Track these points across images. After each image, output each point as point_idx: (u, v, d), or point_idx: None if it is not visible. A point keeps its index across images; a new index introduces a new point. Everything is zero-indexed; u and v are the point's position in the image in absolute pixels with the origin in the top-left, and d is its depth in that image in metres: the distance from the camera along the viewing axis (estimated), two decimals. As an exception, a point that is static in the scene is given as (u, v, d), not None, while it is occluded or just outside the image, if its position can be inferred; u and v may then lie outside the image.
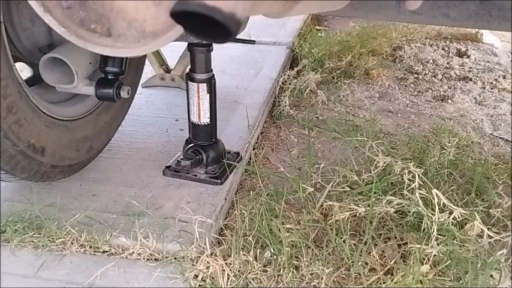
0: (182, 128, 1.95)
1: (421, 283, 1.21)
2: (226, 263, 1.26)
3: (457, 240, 1.31)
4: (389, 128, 2.14)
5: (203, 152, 1.61)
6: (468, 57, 3.10)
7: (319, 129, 2.10)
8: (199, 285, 1.22)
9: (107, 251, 1.31)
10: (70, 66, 1.39)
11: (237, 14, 0.66)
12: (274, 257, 1.29)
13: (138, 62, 1.79)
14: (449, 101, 2.47)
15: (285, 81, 2.46)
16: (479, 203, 1.50)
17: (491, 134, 2.14)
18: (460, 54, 3.16)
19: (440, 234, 1.32)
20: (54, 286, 1.21)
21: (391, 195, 1.45)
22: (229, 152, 1.72)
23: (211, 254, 1.29)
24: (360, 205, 1.41)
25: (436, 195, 1.35)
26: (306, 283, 1.25)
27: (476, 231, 1.35)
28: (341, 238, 1.32)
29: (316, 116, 2.23)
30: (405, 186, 1.44)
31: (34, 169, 1.36)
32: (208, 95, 1.56)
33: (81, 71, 1.42)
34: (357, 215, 1.41)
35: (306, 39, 3.03)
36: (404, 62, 2.98)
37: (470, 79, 2.74)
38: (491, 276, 1.25)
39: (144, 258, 1.29)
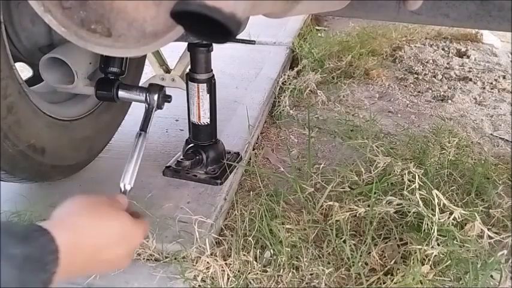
0: (182, 128, 1.94)
1: (421, 283, 1.21)
2: (226, 264, 1.26)
3: (457, 241, 1.31)
4: (389, 128, 2.14)
5: (203, 152, 1.60)
6: (468, 57, 3.10)
7: (319, 129, 2.10)
8: (199, 286, 1.22)
9: (106, 251, 1.31)
10: (70, 66, 1.39)
11: (238, 14, 0.66)
12: (274, 257, 1.29)
13: (138, 62, 1.79)
14: (449, 101, 2.47)
15: (285, 81, 2.46)
16: (479, 203, 1.50)
17: (491, 134, 2.14)
18: (460, 54, 3.16)
19: (440, 235, 1.31)
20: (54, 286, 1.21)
21: (391, 195, 1.45)
22: (229, 152, 1.72)
23: (211, 254, 1.29)
24: (360, 205, 1.41)
25: (436, 195, 1.35)
26: (306, 283, 1.25)
27: (476, 231, 1.35)
28: (341, 238, 1.32)
29: (316, 116, 2.23)
30: (405, 186, 1.44)
31: (34, 169, 1.36)
32: (208, 95, 1.56)
33: (81, 71, 1.42)
34: (357, 215, 1.41)
35: (306, 40, 3.03)
36: (404, 62, 2.97)
37: (470, 79, 2.74)
38: (492, 276, 1.25)
39: (144, 259, 1.29)
